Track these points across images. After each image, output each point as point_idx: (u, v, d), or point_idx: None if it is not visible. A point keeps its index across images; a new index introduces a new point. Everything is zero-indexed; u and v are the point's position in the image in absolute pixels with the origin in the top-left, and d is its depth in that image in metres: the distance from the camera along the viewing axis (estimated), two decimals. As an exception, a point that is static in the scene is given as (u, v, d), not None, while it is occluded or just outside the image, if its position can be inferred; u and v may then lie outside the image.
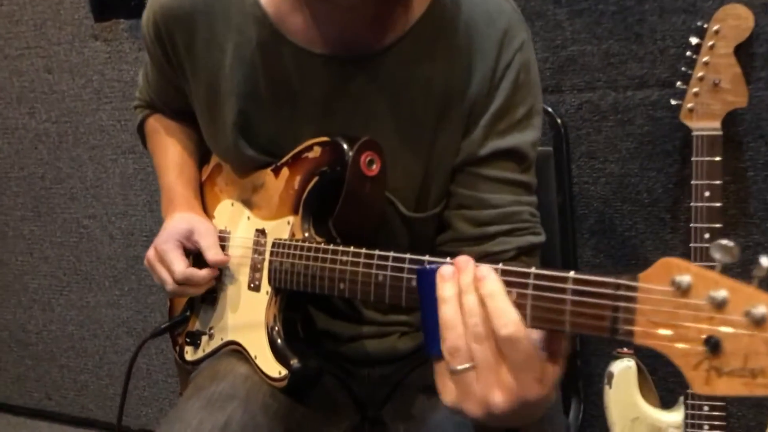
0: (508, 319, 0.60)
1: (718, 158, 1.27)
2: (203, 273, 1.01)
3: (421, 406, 0.98)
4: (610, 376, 1.36)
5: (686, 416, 1.28)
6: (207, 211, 1.14)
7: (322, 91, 0.95)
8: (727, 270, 0.54)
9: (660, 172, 1.44)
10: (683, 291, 0.53)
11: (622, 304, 0.56)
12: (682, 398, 1.33)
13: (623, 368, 1.35)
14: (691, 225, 1.28)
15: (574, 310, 0.59)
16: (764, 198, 1.39)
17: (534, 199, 0.97)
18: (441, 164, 0.96)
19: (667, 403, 1.39)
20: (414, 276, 0.72)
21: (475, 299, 0.62)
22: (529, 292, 0.62)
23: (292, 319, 0.98)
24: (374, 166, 0.90)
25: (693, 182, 1.28)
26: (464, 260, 0.65)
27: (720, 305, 0.51)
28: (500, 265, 0.65)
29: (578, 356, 1.39)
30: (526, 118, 0.94)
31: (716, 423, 1.27)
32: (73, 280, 2.13)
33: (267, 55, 0.95)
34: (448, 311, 0.64)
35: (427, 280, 0.67)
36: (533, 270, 0.63)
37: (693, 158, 1.28)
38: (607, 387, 1.37)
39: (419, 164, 0.96)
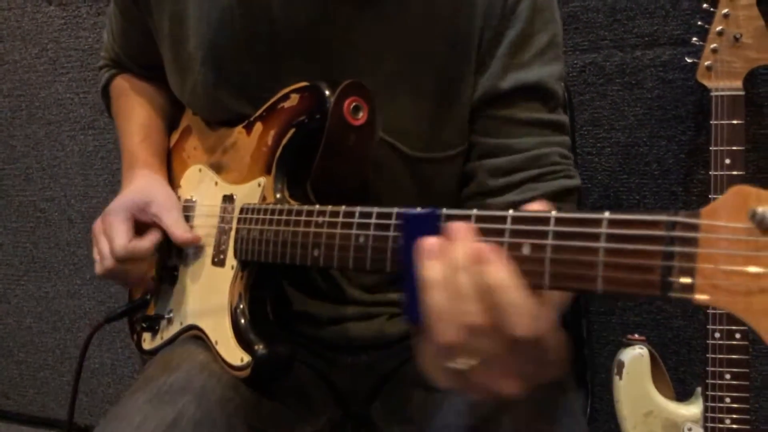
0: (525, 315, 0.48)
1: (740, 121, 1.15)
2: (146, 243, 0.88)
3: (421, 404, 0.84)
4: (621, 365, 1.23)
5: (705, 409, 1.15)
6: (174, 180, 1.00)
7: (308, 18, 0.82)
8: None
9: (671, 140, 1.32)
10: (766, 227, 0.39)
11: (678, 249, 0.42)
12: (699, 390, 1.20)
13: (635, 357, 1.22)
14: (710, 196, 1.16)
15: (609, 261, 0.45)
16: (787, 167, 1.27)
17: (566, 139, 0.86)
18: (454, 102, 0.83)
19: (679, 395, 1.26)
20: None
21: (470, 282, 0.50)
22: (549, 242, 0.48)
23: (260, 298, 0.84)
24: (360, 114, 0.76)
25: (712, 148, 1.16)
26: (461, 229, 0.51)
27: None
28: (510, 211, 0.51)
29: (585, 344, 1.26)
30: (550, 47, 0.83)
31: (739, 416, 1.14)
32: (31, 269, 1.98)
33: None
34: (436, 298, 0.51)
35: (409, 234, 0.54)
36: (553, 213, 0.49)
37: (712, 122, 1.16)
38: (617, 378, 1.23)
39: (427, 102, 0.83)
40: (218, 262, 0.86)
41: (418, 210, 0.56)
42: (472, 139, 0.86)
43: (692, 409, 1.20)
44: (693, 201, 1.33)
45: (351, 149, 0.77)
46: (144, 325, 0.98)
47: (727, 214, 0.41)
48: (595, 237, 0.45)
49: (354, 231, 0.63)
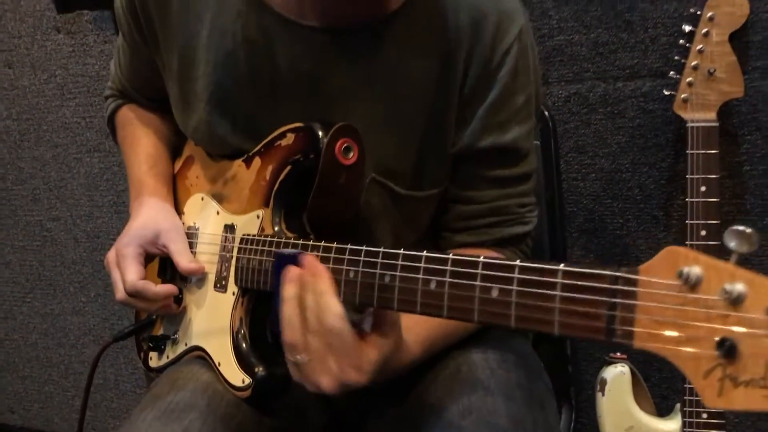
0: (333, 311, 0.68)
1: (714, 151, 1.22)
2: (157, 289, 0.92)
3: (408, 419, 0.89)
4: (603, 382, 1.29)
5: (684, 425, 1.21)
6: (178, 206, 1.06)
7: (310, 66, 0.88)
8: (743, 261, 0.46)
9: (652, 167, 1.39)
10: (692, 285, 0.45)
11: (620, 300, 0.48)
12: (678, 405, 1.26)
13: (617, 374, 1.28)
14: (687, 222, 1.22)
15: (564, 308, 0.51)
16: (762, 194, 1.33)
17: (526, 188, 0.95)
18: (436, 147, 0.91)
19: (661, 411, 1.32)
20: (386, 272, 0.67)
21: (313, 297, 0.70)
22: (514, 288, 0.55)
23: (260, 323, 0.90)
24: (351, 154, 0.82)
25: (688, 176, 1.22)
26: (311, 262, 0.72)
27: (736, 301, 0.44)
28: (481, 258, 0.58)
29: (569, 361, 1.32)
30: (525, 107, 0.90)
31: (715, 431, 1.20)
32: (37, 287, 2.04)
33: (247, 26, 0.88)
34: (287, 310, 0.71)
35: (278, 266, 0.73)
36: (518, 263, 0.55)
37: (688, 151, 1.23)
38: (599, 394, 1.29)
39: (413, 146, 0.90)
40: (220, 287, 0.92)
41: (285, 251, 0.75)
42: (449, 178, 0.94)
43: (671, 425, 1.26)
44: (673, 225, 1.39)
45: (342, 186, 0.83)
46: (151, 344, 1.03)
47: (661, 271, 0.47)
48: (552, 286, 0.52)
49: (344, 267, 0.70)
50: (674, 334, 0.46)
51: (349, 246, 0.70)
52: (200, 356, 0.95)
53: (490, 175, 0.92)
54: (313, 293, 0.70)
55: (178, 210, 1.05)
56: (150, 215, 1.00)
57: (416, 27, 0.86)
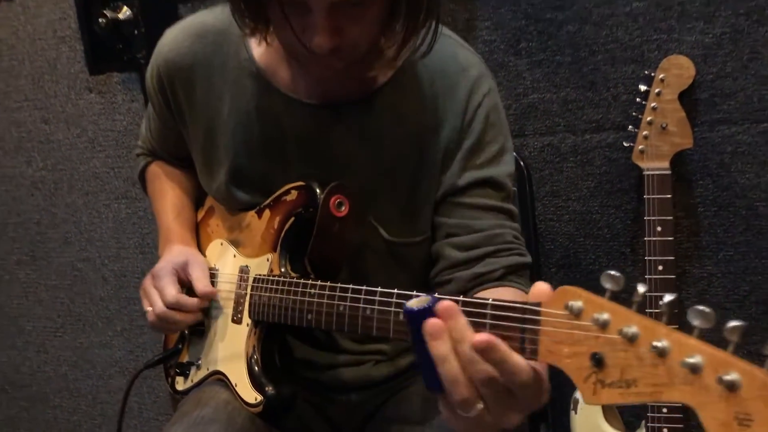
0: (519, 368, 0.64)
1: (668, 195, 1.37)
2: (192, 300, 1.08)
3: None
4: (576, 402, 1.44)
5: (647, 438, 1.36)
6: (201, 249, 1.23)
7: (308, 136, 1.05)
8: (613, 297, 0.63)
9: (618, 209, 1.55)
10: (576, 314, 0.62)
11: (528, 326, 0.65)
12: (643, 422, 1.41)
13: (587, 394, 1.43)
14: (646, 258, 1.38)
15: (492, 332, 0.67)
16: (715, 232, 1.49)
17: (517, 225, 1.05)
18: (422, 197, 1.05)
19: (628, 427, 1.47)
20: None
21: (470, 346, 0.65)
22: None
23: (270, 350, 1.07)
24: (343, 208, 0.99)
25: (646, 218, 1.38)
26: (447, 308, 0.67)
27: (603, 325, 0.60)
28: (461, 297, 0.72)
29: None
30: (499, 155, 1.03)
31: (674, 444, 1.35)
32: (67, 322, 2.20)
33: (260, 105, 1.06)
34: (449, 368, 0.66)
35: (414, 322, 0.68)
36: (461, 298, 0.72)
37: (645, 196, 1.38)
38: (573, 412, 1.44)
39: (401, 196, 1.05)
40: (237, 320, 1.09)
41: (415, 307, 0.68)
42: (437, 221, 1.05)
43: (637, 439, 1.41)
44: (639, 260, 1.54)
45: (337, 234, 1.01)
46: (178, 370, 1.20)
47: (556, 304, 0.64)
48: (484, 315, 0.69)
49: (336, 302, 0.87)
50: (565, 350, 0.62)
51: (339, 285, 0.88)
52: (220, 379, 1.11)
53: (479, 203, 1.02)
54: (467, 344, 0.66)
55: (201, 253, 1.23)
56: (180, 249, 1.17)
57: (400, 97, 1.02)
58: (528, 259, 1.03)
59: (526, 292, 0.91)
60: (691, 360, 0.56)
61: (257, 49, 1.05)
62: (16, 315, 2.26)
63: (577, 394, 1.44)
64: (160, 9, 1.84)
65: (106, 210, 2.05)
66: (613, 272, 0.61)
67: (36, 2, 1.95)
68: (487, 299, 0.69)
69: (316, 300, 0.91)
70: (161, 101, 1.15)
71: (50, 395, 2.29)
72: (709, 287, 1.52)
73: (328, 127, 1.04)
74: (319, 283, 0.92)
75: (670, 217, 1.37)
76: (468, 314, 0.69)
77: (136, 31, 1.85)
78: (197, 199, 1.30)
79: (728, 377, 0.55)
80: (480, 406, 0.66)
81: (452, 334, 0.66)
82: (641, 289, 0.60)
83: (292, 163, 1.07)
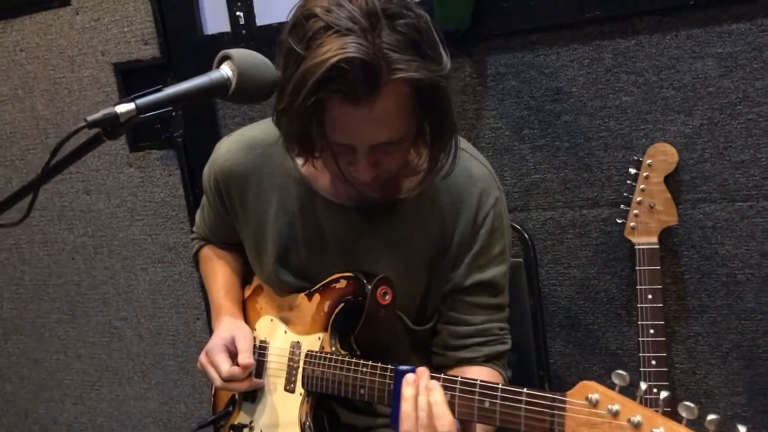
0: (446, 420, 0.98)
1: (657, 267, 1.56)
2: (241, 369, 1.25)
3: None
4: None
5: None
6: (249, 323, 1.41)
7: (346, 233, 1.24)
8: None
9: (613, 276, 1.74)
10: (594, 404, 0.81)
11: (556, 412, 0.85)
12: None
13: None
14: (639, 322, 1.56)
15: (527, 415, 0.87)
16: (699, 296, 1.68)
17: (504, 315, 1.28)
18: (435, 290, 1.25)
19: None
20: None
21: (425, 400, 1.00)
22: (498, 401, 0.92)
23: (320, 416, 1.25)
24: (387, 297, 1.18)
25: (638, 287, 1.56)
26: (422, 371, 1.04)
27: (615, 414, 0.79)
28: (479, 380, 0.94)
29: None
30: (500, 254, 1.25)
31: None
32: (104, 376, 2.37)
33: (303, 206, 1.25)
34: (406, 407, 1.02)
35: (398, 378, 1.05)
36: (500, 385, 0.91)
37: (637, 267, 1.57)
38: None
39: (419, 289, 1.25)
40: (289, 389, 1.27)
41: (400, 368, 1.06)
42: (441, 308, 1.27)
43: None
44: (633, 321, 1.73)
45: (382, 319, 1.19)
46: (231, 431, 1.38)
47: (578, 396, 0.83)
48: (519, 401, 0.88)
49: (387, 381, 1.05)
50: (585, 431, 0.81)
51: (390, 366, 1.06)
52: (272, 441, 1.29)
53: (476, 301, 1.24)
54: (426, 398, 1.00)
55: (251, 326, 1.41)
56: (228, 326, 1.35)
57: (419, 205, 1.20)
58: (506, 346, 1.27)
59: (501, 373, 1.26)
60: (681, 443, 0.75)
61: (300, 159, 1.24)
62: (54, 369, 2.43)
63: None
64: (196, 92, 2.04)
65: (143, 273, 2.23)
66: (621, 372, 0.81)
67: (80, 85, 2.14)
68: (522, 389, 0.88)
69: (368, 378, 1.10)
70: (217, 200, 1.34)
71: (86, 445, 2.45)
72: (696, 345, 1.71)
73: (359, 226, 1.24)
74: (370, 363, 1.11)
75: (660, 286, 1.56)
76: (504, 398, 0.89)
77: (174, 113, 2.03)
78: (244, 276, 1.49)
79: (706, 458, 0.73)
80: None
81: (419, 387, 1.01)
82: (643, 386, 0.79)
83: (327, 255, 1.26)
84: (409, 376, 1.03)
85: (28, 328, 2.43)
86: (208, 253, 1.50)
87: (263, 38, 1.88)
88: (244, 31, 1.93)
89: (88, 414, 2.42)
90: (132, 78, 2.08)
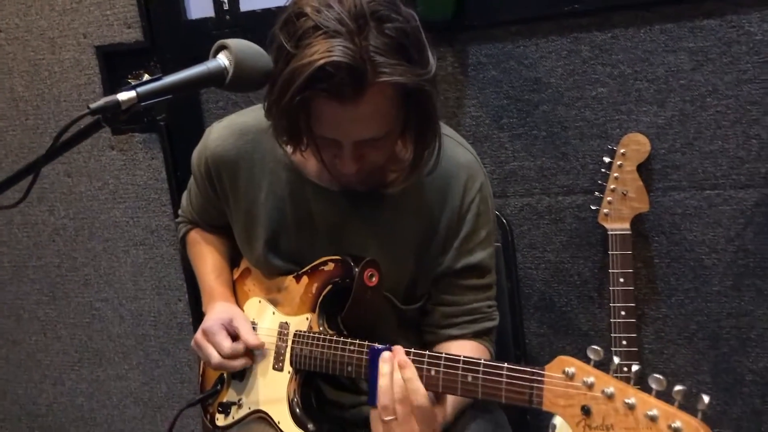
0: (420, 394, 1.06)
1: (629, 252, 1.63)
2: (244, 346, 1.30)
3: None
4: (553, 427, 1.69)
5: (613, 457, 1.62)
6: (237, 304, 1.44)
7: (334, 218, 1.29)
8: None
9: (587, 260, 1.81)
10: (570, 377, 0.87)
11: (535, 385, 0.91)
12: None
13: (563, 421, 1.68)
14: (611, 304, 1.63)
15: (507, 388, 0.93)
16: (668, 280, 1.76)
17: (492, 293, 1.34)
18: (423, 272, 1.30)
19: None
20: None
21: (400, 376, 1.06)
22: (480, 375, 0.98)
23: (307, 393, 1.29)
24: (374, 279, 1.23)
25: (610, 271, 1.63)
26: (397, 349, 1.10)
27: (590, 386, 0.85)
28: (482, 360, 1.00)
29: (528, 412, 1.72)
30: (487, 237, 1.30)
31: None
32: (84, 357, 2.39)
33: (293, 191, 1.29)
34: (383, 382, 1.07)
35: (374, 356, 1.11)
36: (482, 360, 0.97)
37: (609, 252, 1.64)
38: (551, 436, 1.70)
39: (406, 272, 1.30)
40: (278, 368, 1.31)
41: (376, 347, 1.12)
42: (432, 290, 1.32)
43: (605, 458, 1.66)
44: (605, 303, 1.80)
45: (368, 300, 1.24)
46: (220, 408, 1.42)
47: (556, 370, 0.88)
48: (500, 375, 0.93)
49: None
50: (562, 402, 0.87)
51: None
52: (261, 417, 1.33)
53: (465, 284, 1.30)
54: (401, 375, 1.06)
55: (239, 307, 1.45)
56: (224, 307, 1.38)
57: (406, 191, 1.24)
58: (494, 323, 1.33)
59: (487, 347, 1.32)
60: (651, 413, 0.81)
61: (290, 147, 1.28)
62: (34, 350, 2.44)
63: (555, 420, 1.69)
64: (178, 76, 2.05)
65: (124, 255, 2.25)
66: (595, 347, 0.86)
67: (62, 67, 2.15)
68: (503, 363, 0.94)
69: (356, 356, 1.15)
70: (207, 184, 1.37)
71: (66, 425, 2.47)
72: (664, 326, 1.79)
73: (347, 211, 1.28)
74: (357, 341, 1.16)
75: (631, 270, 1.63)
76: (485, 373, 0.94)
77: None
78: (232, 260, 1.52)
79: (675, 425, 0.80)
80: (392, 417, 1.06)
81: (395, 364, 1.08)
82: (616, 360, 0.85)
83: (317, 238, 1.31)
84: (386, 354, 1.09)
85: (6, 309, 2.44)
86: (196, 236, 1.53)
87: (247, 24, 1.91)
88: (228, 17, 1.95)
89: (68, 394, 2.44)
90: (114, 61, 2.09)
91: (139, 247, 2.22)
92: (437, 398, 1.12)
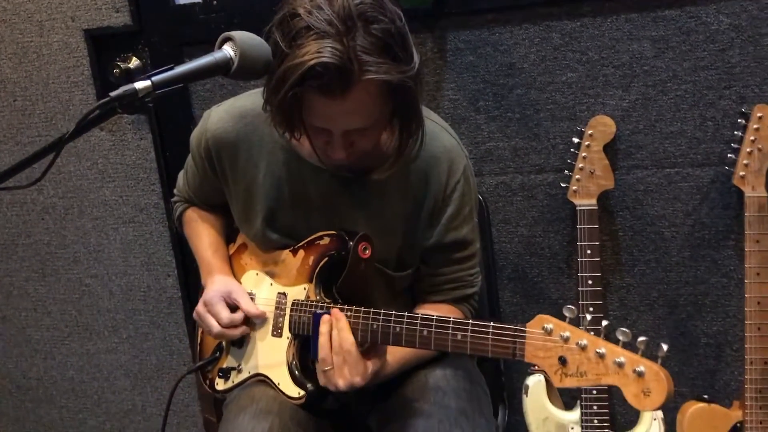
0: (349, 341, 1.22)
1: (595, 226, 1.77)
2: (242, 318, 1.41)
3: (399, 413, 1.40)
4: (526, 387, 1.84)
5: (582, 414, 1.76)
6: (234, 277, 1.54)
7: (329, 195, 1.39)
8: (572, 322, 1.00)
9: (557, 233, 1.94)
10: (548, 332, 1.00)
11: (517, 340, 1.03)
12: (578, 401, 1.81)
13: (536, 381, 1.83)
14: (579, 274, 1.77)
15: (494, 343, 1.05)
16: (631, 251, 1.90)
17: (474, 262, 1.47)
18: (411, 243, 1.42)
19: (568, 405, 1.87)
20: (397, 325, 1.19)
21: (336, 332, 1.23)
22: (469, 333, 1.09)
23: (305, 357, 1.40)
24: (367, 252, 1.34)
25: (578, 243, 1.77)
26: (336, 312, 1.26)
27: (566, 340, 0.98)
28: (451, 318, 1.12)
29: (502, 374, 1.86)
30: (470, 213, 1.43)
31: (603, 417, 1.76)
32: (74, 331, 2.45)
33: (290, 171, 1.39)
34: (323, 339, 1.24)
35: (316, 320, 1.28)
36: (471, 321, 1.10)
37: (578, 226, 1.77)
38: (524, 396, 1.83)
39: (395, 245, 1.41)
40: (277, 334, 1.42)
41: (317, 311, 1.30)
42: (420, 265, 1.45)
43: (574, 415, 1.81)
44: (573, 274, 1.94)
45: (362, 272, 1.35)
46: (220, 374, 1.52)
47: (536, 326, 1.01)
48: (487, 333, 1.06)
49: (370, 321, 1.22)
50: (541, 354, 1.00)
51: (372, 310, 1.23)
52: (261, 380, 1.44)
53: (450, 257, 1.43)
54: (336, 330, 1.23)
55: (236, 280, 1.55)
56: (222, 280, 1.48)
57: (390, 177, 1.34)
58: (474, 289, 1.49)
59: (463, 311, 1.48)
60: (618, 360, 0.94)
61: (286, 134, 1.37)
62: (24, 326, 2.50)
63: (528, 381, 1.83)
64: (166, 58, 2.12)
65: (114, 233, 2.31)
66: (570, 306, 0.99)
67: (50, 50, 2.19)
68: (489, 323, 1.06)
69: (351, 320, 1.26)
70: (206, 165, 1.46)
71: (56, 397, 2.54)
72: (628, 294, 1.94)
73: (339, 191, 1.39)
74: (354, 307, 1.27)
75: (597, 243, 1.76)
76: (473, 331, 1.07)
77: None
78: (227, 236, 1.62)
79: (639, 369, 0.93)
80: (330, 367, 1.22)
81: (332, 324, 1.24)
82: (588, 317, 0.98)
83: (312, 215, 1.41)
84: (325, 317, 1.25)
85: (-5, 286, 2.50)
86: (192, 215, 1.62)
87: (234, 9, 1.97)
88: (215, 2, 2.02)
89: (58, 368, 2.51)
90: (102, 44, 2.14)
91: (128, 225, 2.29)
92: (370, 351, 1.26)
